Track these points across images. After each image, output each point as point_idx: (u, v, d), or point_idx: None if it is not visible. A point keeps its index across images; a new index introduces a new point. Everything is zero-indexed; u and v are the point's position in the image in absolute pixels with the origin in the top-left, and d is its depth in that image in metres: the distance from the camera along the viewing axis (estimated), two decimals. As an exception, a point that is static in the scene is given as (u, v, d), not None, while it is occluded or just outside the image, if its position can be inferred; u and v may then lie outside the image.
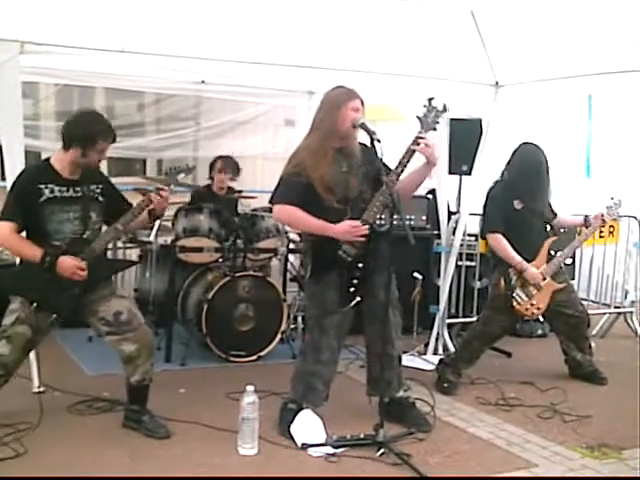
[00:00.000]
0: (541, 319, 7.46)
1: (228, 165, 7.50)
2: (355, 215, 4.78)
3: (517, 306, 5.99)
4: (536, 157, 6.05)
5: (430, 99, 4.84)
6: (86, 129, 4.65)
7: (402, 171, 4.75)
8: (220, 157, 7.68)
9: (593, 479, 4.39)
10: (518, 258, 5.97)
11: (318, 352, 4.99)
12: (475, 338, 6.16)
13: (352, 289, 4.85)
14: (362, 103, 4.88)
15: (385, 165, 4.76)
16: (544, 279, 6.03)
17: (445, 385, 6.02)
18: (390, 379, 5.19)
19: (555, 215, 6.33)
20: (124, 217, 4.78)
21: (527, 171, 6.04)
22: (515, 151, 6.15)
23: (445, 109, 4.86)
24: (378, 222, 4.88)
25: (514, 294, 5.99)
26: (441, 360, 6.33)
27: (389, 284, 4.84)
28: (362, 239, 4.74)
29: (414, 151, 4.74)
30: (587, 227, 6.31)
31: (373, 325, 5.06)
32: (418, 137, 4.73)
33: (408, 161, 4.76)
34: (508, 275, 5.99)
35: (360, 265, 4.84)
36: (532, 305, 6.02)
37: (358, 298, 4.87)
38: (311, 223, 4.80)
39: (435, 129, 4.83)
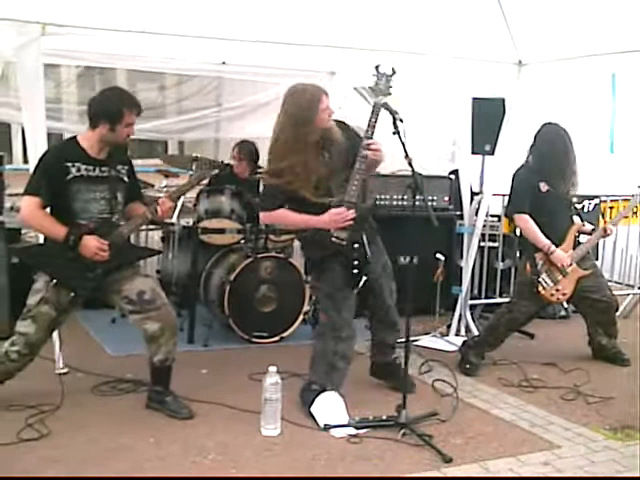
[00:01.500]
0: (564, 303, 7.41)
1: (243, 152, 7.44)
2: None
3: (542, 291, 5.95)
4: (559, 137, 5.99)
5: (377, 66, 4.87)
6: (111, 103, 4.68)
7: (372, 133, 4.80)
8: (238, 143, 7.63)
9: (592, 479, 4.33)
10: (545, 240, 5.94)
11: (337, 330, 5.02)
12: (501, 324, 6.13)
13: (356, 270, 4.91)
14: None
15: (358, 135, 4.91)
16: (570, 264, 5.99)
17: (467, 367, 6.00)
18: (389, 342, 5.41)
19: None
20: (149, 209, 4.84)
21: (551, 152, 5.99)
22: (538, 132, 6.10)
23: (394, 72, 4.86)
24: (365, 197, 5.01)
25: (540, 279, 5.95)
26: (464, 342, 6.31)
27: (380, 256, 5.14)
28: (350, 222, 4.83)
29: (379, 111, 4.79)
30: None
31: (372, 296, 5.24)
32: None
33: (375, 121, 4.80)
34: (534, 260, 5.95)
35: (356, 246, 4.90)
36: (557, 291, 5.97)
37: (365, 278, 4.95)
38: (297, 220, 4.99)
39: (390, 94, 4.84)
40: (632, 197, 6.32)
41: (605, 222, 6.36)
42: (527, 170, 6.12)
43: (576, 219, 6.20)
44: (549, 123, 6.10)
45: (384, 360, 5.49)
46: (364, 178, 4.87)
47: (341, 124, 5.03)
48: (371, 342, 5.46)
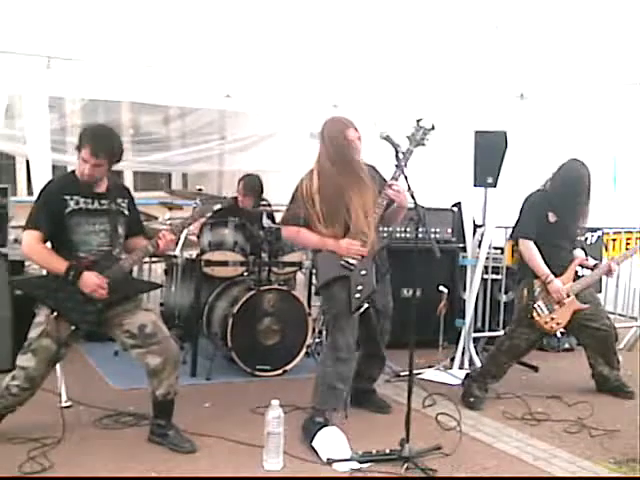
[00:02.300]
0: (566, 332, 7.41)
1: (247, 187, 7.46)
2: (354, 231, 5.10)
3: (537, 317, 5.98)
4: (579, 175, 6.02)
5: (418, 120, 5.11)
6: (80, 135, 4.74)
7: (400, 175, 4.99)
8: (242, 178, 7.65)
9: (593, 479, 4.32)
10: (546, 269, 5.97)
11: (337, 351, 5.13)
12: (502, 352, 6.12)
13: (357, 295, 5.03)
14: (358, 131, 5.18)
15: (385, 180, 5.19)
16: (568, 296, 6.00)
17: (471, 400, 5.98)
18: (374, 376, 5.81)
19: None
20: (151, 242, 4.85)
21: (567, 186, 6.01)
22: (562, 165, 6.12)
23: (433, 127, 5.10)
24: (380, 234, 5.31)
25: (535, 305, 5.98)
26: (467, 375, 6.30)
27: (384, 295, 5.41)
28: (359, 257, 5.04)
29: (410, 155, 5.04)
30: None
31: (367, 330, 5.42)
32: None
33: (405, 165, 4.99)
34: (532, 286, 5.99)
35: (363, 272, 5.04)
36: (552, 319, 5.99)
37: (366, 305, 5.11)
38: (316, 242, 5.18)
39: (424, 145, 5.08)
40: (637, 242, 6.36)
41: (611, 259, 6.36)
42: (540, 197, 6.15)
43: (579, 252, 6.22)
44: (575, 159, 6.10)
45: (365, 388, 5.78)
46: (382, 215, 5.13)
47: (367, 166, 5.26)
48: (355, 372, 5.44)
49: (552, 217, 6.04)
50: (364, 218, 5.04)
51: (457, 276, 7.59)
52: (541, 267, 5.98)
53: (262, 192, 7.48)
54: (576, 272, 6.13)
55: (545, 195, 6.13)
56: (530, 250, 6.02)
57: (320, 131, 5.21)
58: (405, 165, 4.97)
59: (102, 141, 4.72)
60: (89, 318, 4.67)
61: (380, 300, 5.36)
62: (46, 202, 4.71)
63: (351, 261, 5.03)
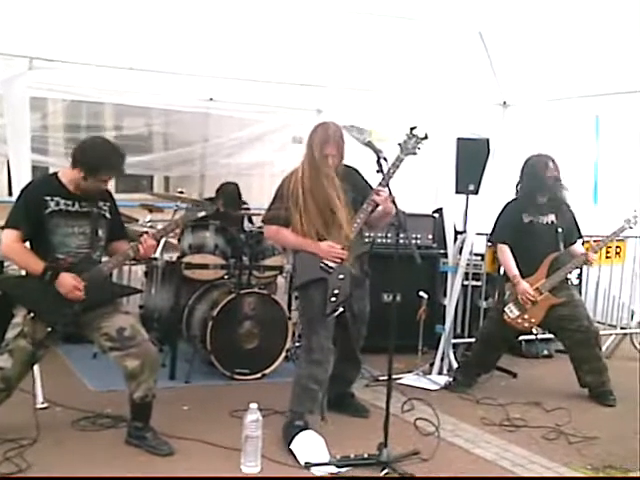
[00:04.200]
0: (544, 336, 7.47)
1: (226, 197, 7.45)
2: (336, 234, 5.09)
3: (508, 319, 6.18)
4: (536, 167, 6.25)
5: (412, 128, 5.08)
6: (93, 159, 4.66)
7: (388, 182, 4.94)
8: (219, 187, 7.65)
9: (590, 479, 4.35)
10: (515, 271, 6.15)
11: (311, 353, 5.16)
12: (477, 339, 6.66)
13: (333, 299, 5.03)
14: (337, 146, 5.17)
15: (367, 183, 5.24)
16: (541, 294, 6.11)
17: (452, 382, 6.49)
18: (351, 379, 5.81)
19: (580, 236, 6.47)
20: (132, 246, 4.83)
21: (531, 184, 6.26)
22: (523, 165, 6.34)
23: (426, 137, 5.07)
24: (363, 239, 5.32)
25: (505, 308, 6.16)
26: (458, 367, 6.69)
27: (359, 300, 5.35)
28: (339, 260, 5.04)
29: (400, 163, 5.02)
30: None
31: (342, 334, 5.38)
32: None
33: (394, 172, 4.99)
34: (503, 289, 6.18)
35: (341, 276, 5.04)
36: (524, 319, 6.14)
37: (341, 309, 5.10)
38: (296, 242, 5.19)
39: (415, 154, 5.05)
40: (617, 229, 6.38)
41: (586, 250, 6.40)
42: (513, 202, 6.38)
43: (579, 247, 6.43)
44: (533, 155, 6.37)
45: (342, 391, 5.78)
46: (365, 221, 5.11)
47: (348, 168, 5.29)
48: (330, 376, 5.39)
49: (526, 217, 6.25)
50: (347, 222, 5.04)
51: (437, 282, 7.60)
52: (511, 269, 6.18)
53: (240, 198, 7.49)
54: (552, 266, 6.22)
55: (517, 199, 6.37)
56: (504, 253, 6.25)
57: (309, 134, 5.22)
58: (393, 172, 4.97)
59: (119, 163, 4.78)
60: (65, 320, 4.64)
61: (357, 304, 5.35)
62: (26, 202, 4.69)
63: (330, 264, 5.03)
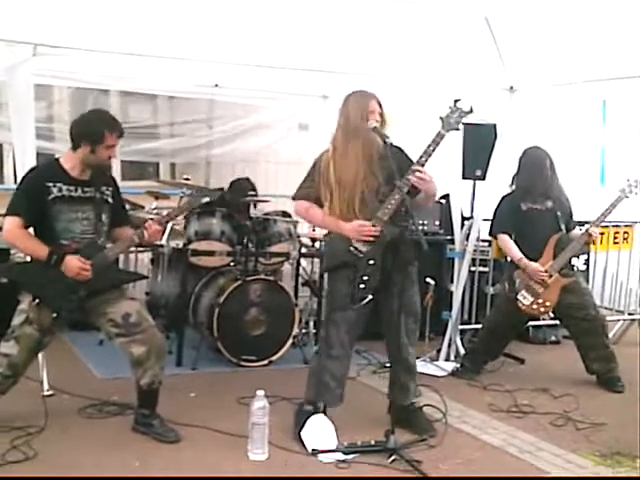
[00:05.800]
0: (553, 322, 7.45)
1: (238, 193, 7.40)
2: (369, 214, 4.79)
3: (523, 307, 6.16)
4: (535, 159, 6.31)
5: (456, 100, 4.86)
6: (92, 125, 4.69)
7: (426, 160, 4.74)
8: (233, 184, 7.62)
9: (590, 479, 4.32)
10: (519, 253, 6.18)
11: (329, 347, 4.99)
12: (483, 327, 6.67)
13: (362, 285, 4.78)
14: (379, 104, 4.93)
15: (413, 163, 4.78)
16: (550, 276, 6.10)
17: (459, 368, 6.54)
18: (405, 384, 5.18)
19: (577, 224, 6.48)
20: (136, 232, 4.82)
21: (527, 175, 6.32)
22: (520, 158, 6.40)
23: (471, 110, 4.85)
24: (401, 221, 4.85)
25: (518, 296, 6.13)
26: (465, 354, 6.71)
27: (403, 290, 4.84)
28: (371, 239, 4.74)
29: (441, 139, 4.77)
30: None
31: (388, 331, 5.08)
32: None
33: (434, 150, 4.76)
34: (512, 278, 6.17)
35: (371, 262, 4.78)
36: (539, 303, 6.12)
37: (370, 297, 4.81)
38: (325, 221, 5.01)
39: (457, 129, 4.84)
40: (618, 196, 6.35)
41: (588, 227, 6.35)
42: (510, 195, 6.43)
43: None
44: (529, 147, 6.41)
45: (400, 403, 5.16)
46: (403, 200, 4.72)
47: (394, 147, 4.88)
48: (389, 379, 5.28)
49: (524, 206, 6.30)
50: (378, 202, 4.80)
51: (444, 268, 7.59)
52: (516, 254, 6.20)
53: (255, 190, 7.46)
54: (558, 248, 6.21)
55: (513, 192, 6.43)
56: (505, 242, 6.30)
57: (342, 104, 4.98)
58: (433, 150, 4.74)
59: (117, 123, 4.78)
60: (70, 305, 4.63)
61: (403, 295, 4.84)
62: (28, 188, 4.67)
63: (360, 247, 4.78)
